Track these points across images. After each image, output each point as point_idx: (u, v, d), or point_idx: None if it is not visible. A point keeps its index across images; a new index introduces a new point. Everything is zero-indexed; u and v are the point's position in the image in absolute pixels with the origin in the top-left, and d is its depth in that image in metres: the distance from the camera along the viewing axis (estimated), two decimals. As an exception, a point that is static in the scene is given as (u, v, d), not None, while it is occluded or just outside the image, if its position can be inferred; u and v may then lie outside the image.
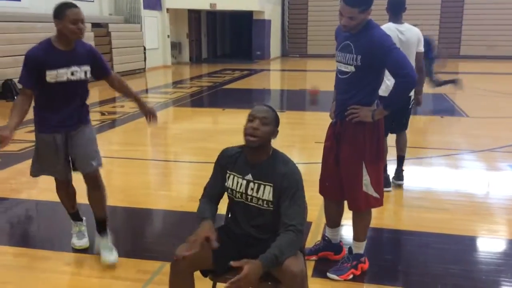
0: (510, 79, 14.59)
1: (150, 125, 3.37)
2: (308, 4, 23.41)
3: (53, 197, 4.34)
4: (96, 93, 11.88)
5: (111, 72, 3.23)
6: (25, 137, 6.31)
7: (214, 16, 23.87)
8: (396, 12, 4.24)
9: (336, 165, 2.86)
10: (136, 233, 3.75)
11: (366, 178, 2.76)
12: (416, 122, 7.85)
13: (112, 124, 7.96)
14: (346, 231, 3.43)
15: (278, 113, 2.28)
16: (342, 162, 2.81)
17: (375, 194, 2.81)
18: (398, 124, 4.48)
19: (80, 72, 2.93)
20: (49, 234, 3.80)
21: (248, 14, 21.17)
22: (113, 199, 4.39)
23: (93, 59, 3.02)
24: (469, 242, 3.51)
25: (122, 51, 14.68)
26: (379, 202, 2.85)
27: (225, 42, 27.01)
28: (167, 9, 17.97)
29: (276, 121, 2.19)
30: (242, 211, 2.27)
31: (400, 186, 4.60)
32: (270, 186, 2.16)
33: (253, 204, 2.22)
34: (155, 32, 17.37)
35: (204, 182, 2.38)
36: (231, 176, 2.25)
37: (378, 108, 2.73)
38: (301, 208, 2.14)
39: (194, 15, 21.02)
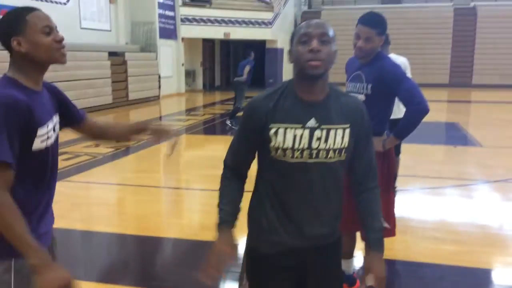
0: (524, 108, 14.49)
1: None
2: (321, 33, 23.68)
3: (66, 224, 4.36)
4: (109, 119, 12.06)
5: (85, 115, 1.98)
6: None
7: (227, 44, 24.24)
8: (384, 43, 4.56)
9: (348, 196, 2.85)
10: (146, 261, 3.75)
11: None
12: (429, 151, 7.81)
13: (126, 151, 8.04)
14: (360, 262, 3.39)
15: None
16: (353, 193, 2.80)
17: (385, 224, 2.79)
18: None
19: (57, 124, 1.74)
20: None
21: (261, 43, 21.49)
22: (124, 227, 4.42)
23: (59, 100, 1.80)
24: (484, 275, 3.44)
25: (137, 79, 14.95)
26: (390, 233, 2.83)
27: (238, 70, 27.30)
28: (182, 38, 18.33)
29: (334, 36, 1.64)
30: (300, 185, 1.63)
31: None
32: (346, 127, 1.62)
33: (321, 161, 1.61)
34: (170, 61, 17.68)
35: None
36: (280, 130, 1.58)
37: (388, 137, 2.74)
38: (373, 155, 1.75)
39: (208, 43, 21.39)
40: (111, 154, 7.57)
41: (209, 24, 18.66)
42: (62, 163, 6.68)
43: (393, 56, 4.48)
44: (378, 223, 1.75)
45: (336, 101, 1.63)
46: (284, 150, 1.59)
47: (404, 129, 2.71)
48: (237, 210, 1.72)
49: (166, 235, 4.30)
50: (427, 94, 2.83)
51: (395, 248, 3.82)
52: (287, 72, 23.11)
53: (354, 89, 2.77)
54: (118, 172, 6.77)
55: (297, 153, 1.60)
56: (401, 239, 3.90)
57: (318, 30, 1.56)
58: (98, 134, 2.04)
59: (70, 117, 1.88)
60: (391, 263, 3.56)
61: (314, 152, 1.60)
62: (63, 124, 1.85)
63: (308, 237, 1.68)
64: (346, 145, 1.63)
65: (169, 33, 17.43)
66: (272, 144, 1.60)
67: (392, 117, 2.95)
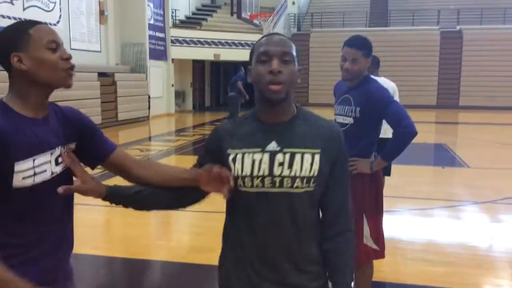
0: (510, 129, 14.71)
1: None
2: (310, 55, 23.98)
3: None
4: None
5: (116, 147, 1.60)
6: None
7: (217, 65, 24.41)
8: (375, 67, 4.77)
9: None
10: (134, 284, 3.69)
11: (366, 230, 2.75)
12: (418, 172, 7.86)
13: (114, 172, 7.97)
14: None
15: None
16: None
17: (374, 246, 2.79)
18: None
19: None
20: None
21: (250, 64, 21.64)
22: (111, 249, 4.35)
23: (78, 129, 1.53)
24: (473, 298, 3.43)
25: (127, 99, 14.94)
26: (378, 255, 2.83)
27: (229, 86, 27.45)
28: (172, 59, 18.42)
29: (298, 54, 1.45)
30: (264, 220, 1.40)
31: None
32: (315, 152, 1.39)
33: (285, 191, 1.38)
34: (160, 81, 17.72)
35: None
36: (239, 156, 1.40)
37: (376, 160, 2.76)
38: (349, 194, 1.51)
39: (198, 64, 21.51)
40: (99, 175, 7.48)
41: (199, 45, 18.80)
42: (49, 184, 6.60)
43: (383, 80, 4.55)
44: (348, 277, 1.48)
45: (304, 123, 1.44)
46: (243, 178, 1.39)
47: (392, 151, 2.73)
48: (131, 191, 1.51)
49: (154, 258, 4.25)
50: (415, 115, 2.86)
51: (384, 270, 3.81)
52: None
53: (342, 112, 2.80)
54: (106, 193, 6.70)
55: (257, 181, 1.38)
56: (390, 261, 3.89)
57: (279, 48, 1.38)
58: (134, 176, 1.57)
59: (97, 147, 1.56)
60: (380, 285, 3.54)
61: (277, 180, 1.38)
62: (91, 157, 1.56)
63: (284, 286, 1.43)
64: (316, 173, 1.38)
65: (159, 54, 17.51)
66: (232, 172, 1.40)
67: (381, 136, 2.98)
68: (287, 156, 1.38)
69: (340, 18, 24.69)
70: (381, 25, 24.27)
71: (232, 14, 18.06)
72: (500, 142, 11.53)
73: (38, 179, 1.38)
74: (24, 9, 11.53)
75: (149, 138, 12.78)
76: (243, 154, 1.40)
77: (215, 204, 2.02)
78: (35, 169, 1.36)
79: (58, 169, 1.45)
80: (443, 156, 9.69)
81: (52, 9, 12.63)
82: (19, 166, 1.33)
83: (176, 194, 1.52)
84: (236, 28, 19.47)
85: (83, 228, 5.05)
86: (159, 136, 13.02)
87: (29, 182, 1.35)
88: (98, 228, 5.12)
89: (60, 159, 1.45)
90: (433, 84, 22.62)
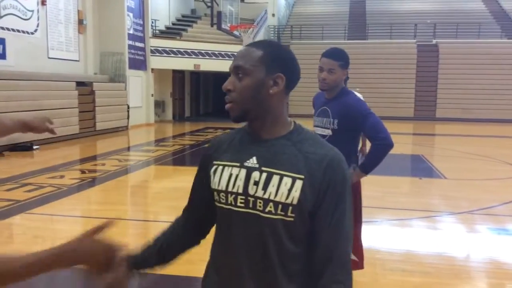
0: (485, 141, 15.03)
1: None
2: (290, 66, 24.15)
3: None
4: (77, 150, 11.83)
5: None
6: (3, 195, 6.20)
7: (197, 76, 24.39)
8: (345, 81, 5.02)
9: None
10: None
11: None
12: (395, 183, 7.95)
13: (92, 182, 7.86)
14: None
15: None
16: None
17: (353, 257, 2.80)
18: None
19: None
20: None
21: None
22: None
23: None
24: (451, 307, 3.47)
25: (105, 109, 14.78)
26: (357, 265, 2.85)
27: (208, 101, 27.44)
28: (152, 69, 18.34)
29: (270, 61, 1.27)
30: (236, 242, 1.29)
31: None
32: (296, 178, 1.22)
33: (256, 213, 1.25)
34: (139, 91, 17.61)
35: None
36: (219, 168, 1.32)
37: (355, 171, 2.78)
38: (347, 236, 1.26)
39: (178, 74, 21.46)
40: (77, 186, 7.38)
41: (179, 55, 18.77)
42: (24, 195, 6.47)
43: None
44: None
45: (295, 144, 1.28)
46: (219, 192, 1.30)
47: (370, 163, 2.76)
48: (149, 246, 1.42)
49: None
50: (392, 127, 2.91)
51: (363, 280, 3.82)
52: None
53: (321, 124, 2.83)
54: (83, 204, 6.60)
55: (230, 198, 1.28)
56: (369, 271, 3.91)
57: (233, 63, 1.30)
58: None
59: None
60: (360, 296, 3.55)
61: (250, 200, 1.25)
62: None
63: None
64: (295, 201, 1.21)
65: (138, 63, 17.42)
66: (211, 185, 1.32)
67: None
68: (264, 175, 1.24)
69: (320, 31, 25.00)
70: (360, 38, 24.66)
71: (212, 25, 18.12)
72: (476, 154, 11.77)
73: None
74: (0, 17, 11.35)
75: (128, 148, 12.65)
76: (224, 167, 1.31)
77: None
78: None
79: None
80: (420, 167, 9.83)
81: (30, 18, 12.46)
82: None
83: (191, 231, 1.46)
84: (216, 39, 19.52)
85: (60, 240, 4.94)
86: (138, 146, 12.90)
87: None
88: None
89: None
90: (410, 96, 23.02)
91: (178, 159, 10.93)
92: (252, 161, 1.27)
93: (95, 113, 14.36)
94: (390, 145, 2.68)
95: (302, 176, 1.22)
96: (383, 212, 5.97)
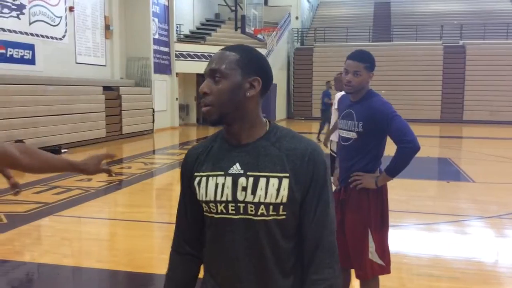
0: (514, 144, 14.66)
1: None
2: (313, 69, 24.10)
3: (55, 259, 4.30)
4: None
5: None
6: (32, 198, 6.35)
7: (221, 80, 24.50)
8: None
9: (342, 232, 2.84)
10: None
11: (371, 245, 2.74)
12: (422, 187, 7.83)
13: (119, 185, 7.99)
14: (353, 300, 3.34)
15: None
16: (347, 229, 2.80)
17: (380, 262, 2.77)
18: None
19: None
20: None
21: (254, 79, 21.74)
22: (116, 263, 4.34)
23: None
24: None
25: (131, 113, 15.01)
26: (385, 270, 2.81)
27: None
28: (177, 73, 18.54)
29: (246, 65, 1.29)
30: (228, 250, 1.31)
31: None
32: (282, 177, 1.26)
33: (249, 218, 1.27)
34: (164, 95, 17.82)
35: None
36: (203, 179, 1.32)
37: (381, 175, 2.75)
38: (331, 225, 1.31)
39: (202, 78, 21.51)
40: (104, 188, 7.51)
41: (203, 59, 18.91)
42: (53, 197, 6.62)
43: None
44: None
45: (274, 144, 1.30)
46: (207, 203, 1.31)
47: (396, 167, 2.73)
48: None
49: (158, 272, 4.22)
50: (418, 129, 2.87)
51: (390, 285, 3.78)
52: (280, 107, 23.35)
53: (345, 127, 2.81)
54: (110, 207, 6.71)
55: (221, 207, 1.29)
56: (396, 276, 3.86)
57: (209, 67, 1.32)
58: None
59: None
60: (386, 301, 3.51)
61: (241, 206, 1.27)
62: None
63: None
64: (285, 199, 1.25)
65: (163, 68, 17.63)
66: (197, 197, 1.33)
67: None
68: (251, 180, 1.26)
69: (344, 33, 24.85)
70: (384, 40, 24.40)
71: (236, 29, 18.22)
72: (504, 157, 11.49)
73: None
74: (30, 24, 11.66)
75: (153, 152, 12.80)
76: (207, 177, 1.31)
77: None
78: None
79: None
80: (447, 171, 9.65)
81: (58, 24, 12.76)
82: None
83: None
84: (240, 42, 19.55)
85: (87, 241, 5.05)
86: (163, 150, 13.05)
87: None
88: (102, 241, 5.11)
89: None
90: (436, 99, 22.66)
91: (203, 162, 10.99)
92: (236, 168, 1.29)
93: (121, 117, 14.59)
94: (416, 148, 2.64)
95: (287, 174, 1.26)
96: (409, 216, 5.89)
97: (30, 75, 11.25)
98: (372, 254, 2.74)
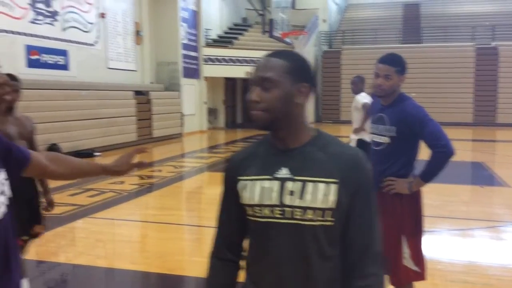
0: (551, 147, 14.19)
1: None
2: (341, 72, 23.93)
3: (89, 260, 4.40)
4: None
5: (29, 153, 1.53)
6: (67, 200, 6.50)
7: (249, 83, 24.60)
8: (361, 84, 5.99)
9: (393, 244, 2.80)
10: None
11: (406, 251, 2.70)
12: (456, 191, 7.67)
13: (150, 188, 8.11)
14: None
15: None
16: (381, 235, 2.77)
17: (415, 268, 2.73)
18: None
19: (5, 185, 1.37)
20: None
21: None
22: (148, 265, 4.41)
23: (5, 151, 1.43)
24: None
25: (161, 117, 15.23)
26: (420, 276, 2.77)
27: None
28: (205, 78, 18.71)
29: (295, 72, 1.30)
30: (272, 253, 1.31)
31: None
32: (330, 182, 1.26)
33: (296, 222, 1.27)
34: (192, 99, 18.00)
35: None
36: (249, 183, 1.33)
37: (415, 180, 2.71)
38: (378, 232, 1.34)
39: (230, 82, 21.76)
40: (135, 191, 7.64)
41: (231, 63, 19.04)
42: (87, 200, 6.77)
43: (363, 95, 4.91)
44: None
45: (321, 149, 1.30)
46: (252, 206, 1.31)
47: (430, 172, 2.68)
48: None
49: (189, 274, 4.27)
50: (451, 133, 2.82)
51: (424, 291, 3.72)
52: (308, 110, 23.25)
53: (376, 131, 2.78)
54: (141, 209, 6.82)
55: (266, 211, 1.29)
56: (430, 283, 3.79)
57: (257, 74, 1.29)
58: (61, 174, 1.62)
59: (16, 158, 1.46)
60: (420, 307, 3.45)
61: (288, 210, 1.27)
62: (12, 170, 1.43)
63: None
64: (334, 205, 1.25)
65: (192, 72, 17.82)
66: (242, 201, 1.34)
67: None
68: (299, 184, 1.27)
69: (372, 35, 24.60)
70: (414, 41, 24.03)
71: (263, 32, 18.27)
72: (541, 161, 11.14)
73: None
74: (63, 30, 11.98)
75: (183, 155, 12.95)
76: (253, 181, 1.32)
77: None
78: None
79: (5, 200, 1.27)
80: (481, 175, 9.42)
81: (90, 30, 13.07)
82: None
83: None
84: (268, 46, 19.61)
85: (120, 243, 5.14)
86: (192, 153, 13.18)
87: None
88: (134, 243, 5.20)
89: (2, 188, 1.28)
90: (468, 101, 22.15)
91: (231, 165, 11.05)
92: (283, 172, 1.29)
93: (151, 121, 14.82)
94: (450, 153, 2.59)
95: (335, 180, 1.27)
96: (443, 221, 5.77)
97: (63, 80, 11.55)
98: (407, 260, 2.70)
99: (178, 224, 5.97)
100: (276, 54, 1.33)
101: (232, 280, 1.44)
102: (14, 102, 3.15)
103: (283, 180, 1.28)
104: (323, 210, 1.26)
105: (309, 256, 1.27)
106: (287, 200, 1.27)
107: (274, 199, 1.28)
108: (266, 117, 1.28)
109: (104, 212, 6.22)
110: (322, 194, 1.25)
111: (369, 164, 1.33)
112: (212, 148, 14.64)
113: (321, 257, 1.28)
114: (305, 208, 1.26)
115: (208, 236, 6.27)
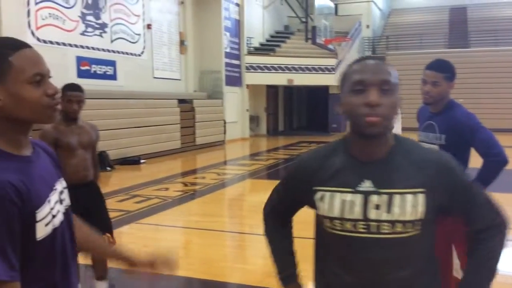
0: None
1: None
2: (385, 78, 23.51)
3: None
4: (179, 164, 12.46)
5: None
6: (115, 206, 6.70)
7: (290, 90, 24.62)
8: None
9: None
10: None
11: (456, 262, 2.62)
12: (510, 201, 7.36)
13: (193, 195, 8.24)
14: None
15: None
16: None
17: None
18: None
19: (64, 192, 1.30)
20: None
21: (324, 88, 21.63)
22: (192, 271, 4.48)
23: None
24: None
25: (204, 124, 15.47)
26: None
27: (301, 115, 27.54)
28: (247, 85, 18.87)
29: (398, 79, 1.27)
30: (355, 268, 1.28)
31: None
32: (418, 192, 1.23)
33: (385, 237, 1.24)
34: (235, 107, 18.18)
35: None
36: (327, 194, 1.29)
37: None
38: (490, 203, 1.35)
39: (272, 89, 21.85)
40: (179, 198, 7.78)
41: (272, 71, 19.13)
42: (134, 206, 6.96)
43: None
44: (482, 280, 1.33)
45: (405, 157, 1.25)
46: (331, 219, 1.27)
47: (483, 181, 2.60)
48: (292, 260, 1.51)
49: (231, 280, 4.31)
50: (503, 140, 2.72)
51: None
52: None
53: (426, 139, 2.73)
54: (185, 216, 6.94)
55: (347, 225, 1.25)
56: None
57: (377, 76, 1.20)
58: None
59: None
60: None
61: (373, 225, 1.23)
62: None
63: None
64: (422, 216, 1.22)
65: (234, 80, 18.02)
66: (318, 212, 1.31)
67: None
68: (385, 197, 1.22)
69: (417, 40, 24.09)
70: (461, 46, 23.34)
71: (306, 40, 18.24)
72: None
73: (57, 220, 1.19)
74: (112, 41, 12.41)
75: (225, 162, 13.08)
76: (332, 192, 1.27)
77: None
78: (52, 212, 1.17)
79: (62, 208, 1.25)
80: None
81: (137, 41, 13.47)
82: (41, 213, 1.12)
83: None
84: (310, 53, 19.61)
85: (165, 249, 5.24)
86: (234, 160, 13.29)
87: (49, 228, 1.15)
88: (178, 249, 5.30)
89: (62, 197, 1.26)
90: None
91: (273, 173, 11.07)
92: (366, 185, 1.24)
93: (195, 128, 15.08)
94: (504, 162, 2.50)
95: (423, 190, 1.23)
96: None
97: (112, 90, 11.95)
98: (457, 271, 2.62)
99: (220, 231, 6.04)
100: (378, 60, 1.27)
101: (288, 239, 1.57)
102: (77, 112, 3.29)
103: (366, 194, 1.24)
104: (412, 222, 1.23)
105: (398, 270, 1.26)
106: (373, 214, 1.23)
107: (356, 213, 1.24)
108: (383, 124, 1.21)
109: (149, 218, 6.37)
110: (410, 205, 1.22)
111: (453, 161, 1.31)
112: (254, 155, 14.71)
113: (413, 268, 1.28)
114: (393, 222, 1.22)
115: (250, 243, 6.37)
